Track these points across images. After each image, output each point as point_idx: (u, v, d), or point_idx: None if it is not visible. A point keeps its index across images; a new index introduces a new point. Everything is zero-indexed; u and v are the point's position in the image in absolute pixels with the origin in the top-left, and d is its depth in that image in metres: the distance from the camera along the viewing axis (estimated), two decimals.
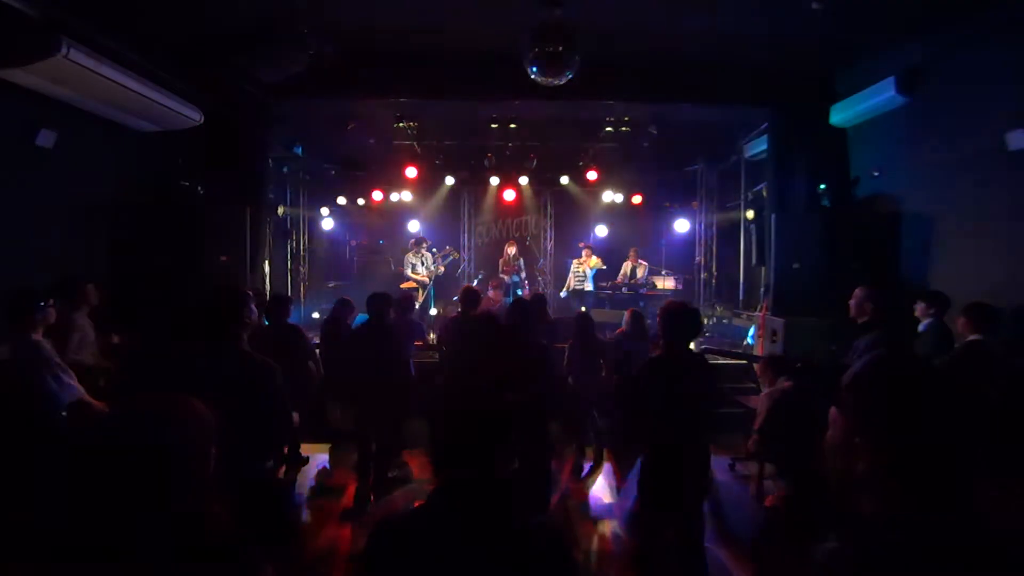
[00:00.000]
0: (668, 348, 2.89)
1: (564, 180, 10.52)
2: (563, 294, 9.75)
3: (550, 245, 11.68)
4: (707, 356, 5.91)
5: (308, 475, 4.93)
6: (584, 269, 9.55)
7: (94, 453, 1.11)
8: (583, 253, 9.68)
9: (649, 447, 2.96)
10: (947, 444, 0.83)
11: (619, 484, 4.74)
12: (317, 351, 5.10)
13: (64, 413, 3.34)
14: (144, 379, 3.51)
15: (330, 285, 10.53)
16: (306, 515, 4.24)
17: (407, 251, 9.48)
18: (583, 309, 8.78)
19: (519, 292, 9.62)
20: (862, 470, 0.87)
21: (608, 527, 4.10)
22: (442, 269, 9.53)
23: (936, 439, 0.83)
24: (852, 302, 3.33)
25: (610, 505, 4.50)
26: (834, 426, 0.90)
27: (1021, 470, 3.04)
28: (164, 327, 4.81)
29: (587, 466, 5.15)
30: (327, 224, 10.75)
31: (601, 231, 11.03)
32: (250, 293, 2.66)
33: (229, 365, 2.46)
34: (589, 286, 9.59)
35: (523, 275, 9.91)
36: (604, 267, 9.65)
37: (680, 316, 2.89)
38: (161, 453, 1.10)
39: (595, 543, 3.88)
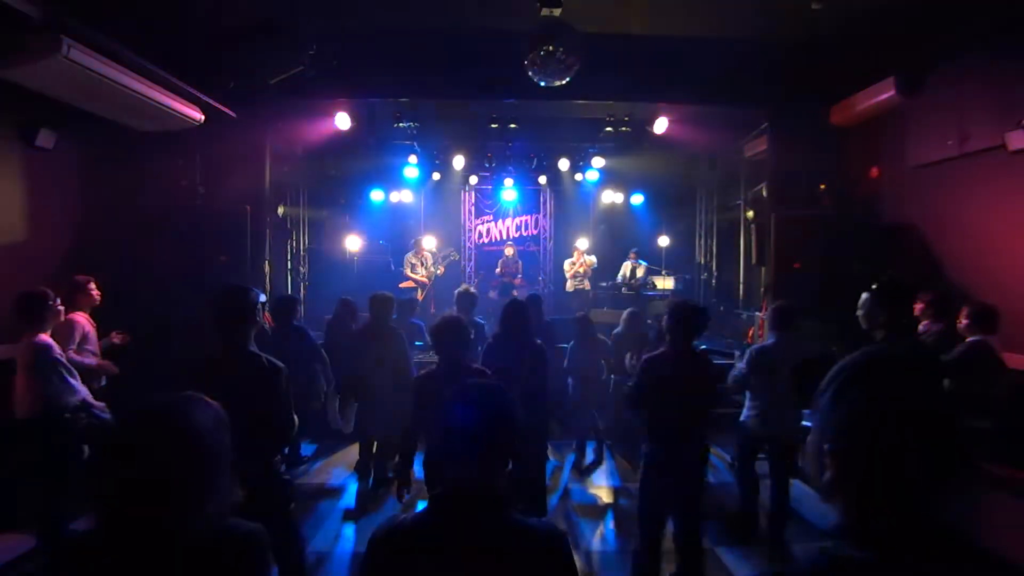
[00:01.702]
0: (673, 345, 2.94)
1: (564, 180, 10.53)
2: (569, 288, 9.77)
3: (550, 245, 11.68)
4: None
5: (308, 475, 4.93)
6: (581, 269, 9.55)
7: (114, 450, 1.10)
8: (574, 254, 9.68)
9: (649, 442, 2.99)
10: (925, 450, 0.78)
11: (623, 481, 4.76)
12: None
13: (68, 415, 3.35)
14: (146, 380, 3.50)
15: (330, 285, 10.51)
16: (306, 515, 4.24)
17: (408, 251, 9.49)
18: (581, 313, 8.78)
19: (514, 292, 9.61)
20: (831, 478, 0.83)
21: (608, 526, 4.10)
22: (441, 270, 9.52)
23: (915, 445, 0.77)
24: (860, 313, 2.78)
25: (610, 504, 4.50)
26: (812, 429, 0.85)
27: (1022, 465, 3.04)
28: (165, 327, 4.82)
29: (587, 465, 5.16)
30: (327, 224, 10.73)
31: (601, 231, 11.03)
32: (257, 292, 2.65)
33: (236, 365, 2.45)
34: (588, 285, 9.59)
35: (520, 276, 9.92)
36: (595, 264, 9.66)
37: (687, 313, 2.96)
38: (184, 448, 1.10)
39: (595, 542, 3.88)
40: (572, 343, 5.10)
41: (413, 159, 9.45)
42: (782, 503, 3.78)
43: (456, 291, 4.97)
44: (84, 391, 3.45)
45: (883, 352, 0.86)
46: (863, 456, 0.78)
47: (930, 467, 0.76)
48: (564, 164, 9.65)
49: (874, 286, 2.69)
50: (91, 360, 3.85)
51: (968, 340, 3.72)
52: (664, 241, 10.59)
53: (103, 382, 3.97)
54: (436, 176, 10.35)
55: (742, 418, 3.91)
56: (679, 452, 2.92)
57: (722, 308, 9.43)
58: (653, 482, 3.01)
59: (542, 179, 10.66)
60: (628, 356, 4.95)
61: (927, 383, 0.80)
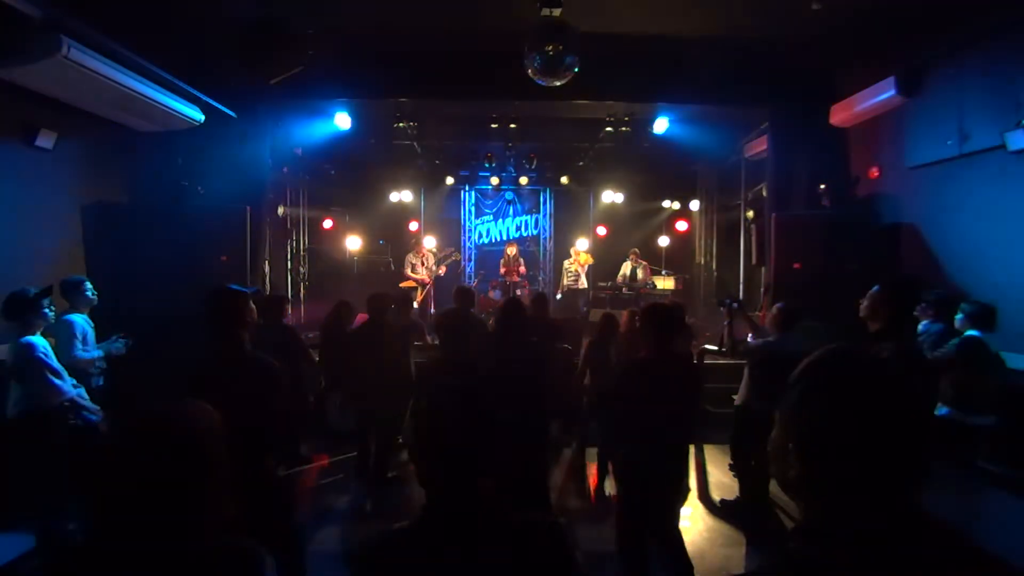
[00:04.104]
0: (651, 348, 2.94)
1: (564, 180, 10.54)
2: (558, 295, 9.78)
3: (550, 245, 11.69)
4: (705, 355, 5.97)
5: (308, 475, 4.92)
6: (575, 267, 9.57)
7: (109, 456, 1.10)
8: (572, 252, 9.72)
9: (631, 444, 2.98)
10: (891, 449, 0.77)
11: (611, 481, 4.77)
12: (314, 351, 5.10)
13: (52, 416, 3.34)
14: (145, 380, 3.51)
15: (331, 285, 10.53)
16: (306, 515, 4.24)
17: (408, 251, 9.49)
18: (582, 309, 8.78)
19: (518, 291, 9.64)
20: (794, 476, 0.82)
21: (608, 527, 4.10)
22: (443, 270, 9.53)
23: (881, 444, 0.77)
24: (865, 304, 2.76)
25: (610, 505, 4.50)
26: (777, 426, 0.85)
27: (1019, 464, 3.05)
28: (165, 327, 4.82)
29: (590, 466, 5.16)
30: (327, 224, 10.75)
31: (601, 231, 11.05)
32: (248, 292, 2.65)
33: (233, 365, 2.45)
34: (583, 283, 9.60)
35: (522, 276, 9.94)
36: (593, 262, 9.67)
37: (659, 316, 2.95)
38: (179, 457, 1.09)
39: (596, 542, 3.88)
40: (592, 340, 5.06)
41: (412, 170, 9.50)
42: (762, 477, 4.02)
43: (455, 288, 4.97)
44: (73, 392, 3.43)
45: (848, 349, 0.85)
46: (830, 455, 0.77)
47: (899, 466, 0.76)
48: (564, 164, 9.66)
49: (888, 281, 2.67)
50: (96, 353, 3.87)
51: (963, 336, 3.72)
52: (664, 241, 10.60)
53: (100, 381, 3.97)
54: (450, 180, 10.30)
55: (738, 402, 4.17)
56: (659, 454, 2.91)
57: (721, 308, 9.42)
58: (633, 484, 3.00)
59: (541, 179, 10.67)
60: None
61: (898, 380, 0.79)
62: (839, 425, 0.76)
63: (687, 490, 3.11)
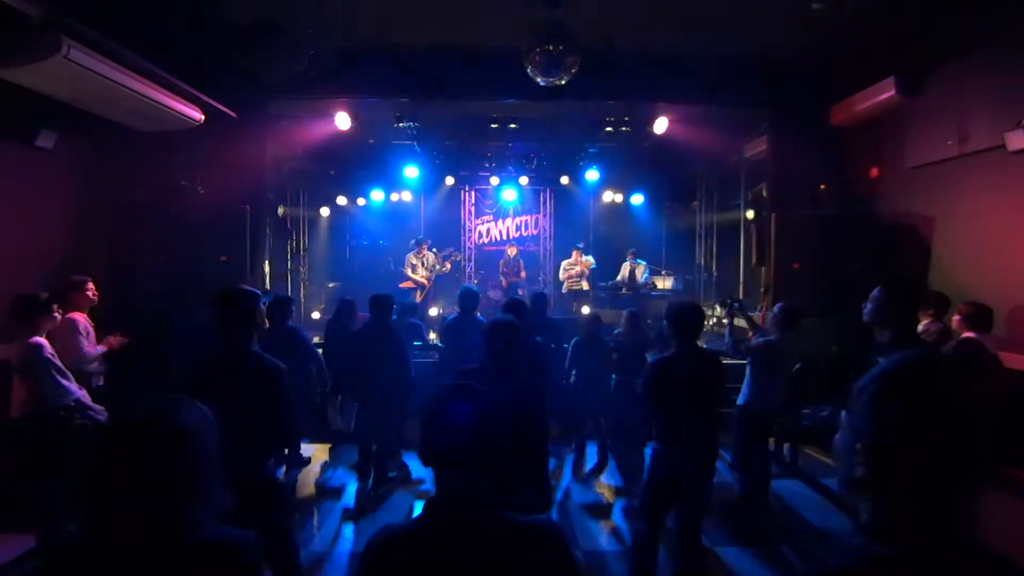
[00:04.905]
0: (677, 346, 2.98)
1: (564, 180, 10.54)
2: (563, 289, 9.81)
3: (550, 245, 11.69)
4: None
5: (308, 475, 4.93)
6: (578, 269, 9.57)
7: (101, 454, 1.10)
8: (573, 254, 9.71)
9: (658, 441, 3.00)
10: (957, 455, 0.83)
11: (625, 480, 4.77)
12: (319, 352, 5.10)
13: (61, 414, 3.35)
14: (145, 379, 3.52)
15: (330, 285, 10.54)
16: (306, 515, 4.24)
17: (408, 251, 9.50)
18: (584, 310, 8.80)
19: (520, 291, 9.65)
20: (861, 476, 0.87)
21: (608, 526, 4.10)
22: (447, 266, 9.54)
23: (948, 450, 0.82)
24: (870, 306, 2.53)
25: (610, 504, 4.50)
26: (843, 428, 0.92)
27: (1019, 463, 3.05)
28: (165, 327, 4.82)
29: (589, 465, 5.16)
30: (327, 224, 10.75)
31: (600, 231, 11.05)
32: (260, 293, 2.64)
33: (240, 367, 2.45)
34: (586, 285, 9.60)
35: (523, 271, 9.95)
36: (595, 265, 9.68)
37: (681, 314, 3.00)
38: (171, 452, 1.09)
39: (594, 542, 3.88)
40: (575, 340, 5.09)
41: (414, 172, 9.50)
42: (763, 477, 4.10)
43: (460, 289, 4.99)
44: (79, 392, 3.45)
45: (921, 357, 0.92)
46: (900, 454, 0.82)
47: (960, 467, 0.80)
48: (564, 164, 9.66)
49: (891, 283, 2.59)
50: (101, 348, 3.90)
51: (961, 338, 3.72)
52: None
53: (101, 382, 3.98)
54: (450, 180, 10.36)
55: (740, 401, 4.15)
56: (687, 452, 2.93)
57: (722, 309, 9.42)
58: (658, 481, 3.02)
59: (541, 179, 10.67)
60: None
61: (960, 388, 0.85)
62: (911, 427, 0.82)
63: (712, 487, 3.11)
